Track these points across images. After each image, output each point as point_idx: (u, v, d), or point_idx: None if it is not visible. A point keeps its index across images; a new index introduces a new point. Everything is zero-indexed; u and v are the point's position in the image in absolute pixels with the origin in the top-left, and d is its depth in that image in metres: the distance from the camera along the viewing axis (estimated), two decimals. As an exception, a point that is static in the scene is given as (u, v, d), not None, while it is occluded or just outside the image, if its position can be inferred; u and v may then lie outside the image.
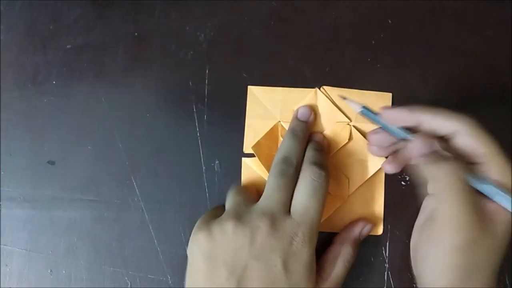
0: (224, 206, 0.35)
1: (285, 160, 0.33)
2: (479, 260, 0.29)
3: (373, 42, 0.39)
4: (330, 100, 0.38)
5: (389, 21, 0.39)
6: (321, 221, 0.33)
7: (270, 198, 0.32)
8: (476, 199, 0.30)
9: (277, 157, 0.34)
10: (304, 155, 0.35)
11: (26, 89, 0.40)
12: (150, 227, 0.39)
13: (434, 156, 0.31)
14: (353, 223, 0.37)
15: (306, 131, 0.36)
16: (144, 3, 0.40)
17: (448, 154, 0.31)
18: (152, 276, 0.38)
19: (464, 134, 0.30)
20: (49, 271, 0.39)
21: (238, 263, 0.30)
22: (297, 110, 0.38)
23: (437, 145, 0.31)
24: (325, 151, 0.36)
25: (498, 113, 0.38)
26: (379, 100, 0.38)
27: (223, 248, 0.31)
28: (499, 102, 0.38)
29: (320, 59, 0.39)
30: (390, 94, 0.38)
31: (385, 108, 0.34)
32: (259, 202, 0.33)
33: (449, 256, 0.29)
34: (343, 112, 0.38)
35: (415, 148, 0.32)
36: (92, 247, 0.39)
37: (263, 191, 0.33)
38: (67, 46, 0.40)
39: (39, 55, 0.41)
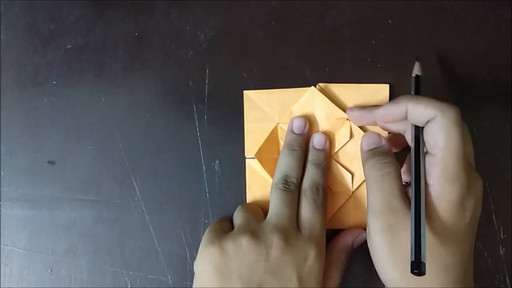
0: (228, 220, 0.36)
1: (286, 178, 0.35)
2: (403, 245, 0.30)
3: (373, 42, 0.39)
4: (327, 97, 0.38)
5: (389, 21, 0.39)
6: (327, 218, 0.35)
7: (279, 214, 0.33)
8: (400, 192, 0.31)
9: (277, 175, 0.35)
10: (304, 166, 0.36)
11: (26, 89, 0.40)
12: (150, 227, 0.38)
13: (373, 155, 0.33)
14: (347, 230, 0.37)
15: (303, 144, 0.37)
16: (144, 3, 0.40)
17: (385, 159, 0.32)
18: (152, 276, 0.38)
19: (434, 121, 0.30)
20: (49, 271, 0.39)
21: (253, 278, 0.30)
22: (292, 122, 0.37)
23: (380, 146, 0.34)
24: (326, 153, 0.37)
25: (498, 113, 0.38)
26: (377, 92, 0.38)
27: (237, 262, 0.31)
28: (499, 102, 0.38)
29: (320, 59, 0.39)
30: (387, 86, 0.38)
31: (373, 108, 0.35)
32: (268, 218, 0.34)
33: (374, 240, 0.31)
34: (342, 108, 0.38)
35: (362, 142, 0.35)
36: (92, 247, 0.39)
37: (267, 205, 0.35)
38: (67, 46, 0.40)
39: (39, 55, 0.41)
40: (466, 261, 0.30)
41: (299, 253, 0.31)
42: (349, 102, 0.38)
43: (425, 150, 0.31)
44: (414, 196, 0.29)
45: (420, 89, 0.35)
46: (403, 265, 0.29)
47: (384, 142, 0.34)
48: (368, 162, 0.33)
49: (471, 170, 0.31)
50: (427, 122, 0.30)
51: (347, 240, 0.36)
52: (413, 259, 0.27)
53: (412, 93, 0.35)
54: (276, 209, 0.34)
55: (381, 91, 0.38)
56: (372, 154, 0.33)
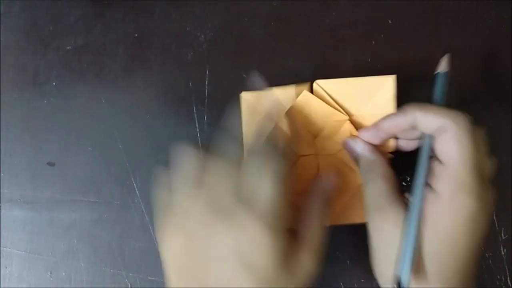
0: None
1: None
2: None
3: (374, 42, 0.39)
4: (327, 94, 0.36)
5: (389, 21, 0.39)
6: (335, 215, 0.35)
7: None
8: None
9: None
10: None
11: (26, 90, 0.40)
12: (150, 228, 0.38)
13: (360, 158, 0.34)
14: (318, 176, 0.34)
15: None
16: (144, 3, 0.40)
17: (371, 159, 0.33)
18: (152, 278, 0.38)
19: (445, 130, 0.29)
20: (49, 273, 0.39)
21: None
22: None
23: (363, 154, 0.34)
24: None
25: (498, 113, 0.38)
26: (381, 86, 0.35)
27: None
28: (499, 102, 0.38)
29: (320, 59, 0.39)
30: (393, 77, 0.35)
31: (380, 121, 0.33)
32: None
33: (370, 240, 0.31)
34: (340, 108, 0.36)
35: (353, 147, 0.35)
36: (92, 249, 0.39)
37: None
38: (67, 47, 0.40)
39: (39, 56, 0.41)
40: (469, 267, 0.30)
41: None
42: (350, 98, 0.36)
43: (430, 155, 0.31)
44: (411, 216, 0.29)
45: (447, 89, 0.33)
46: (392, 265, 0.29)
47: (362, 147, 0.34)
48: (361, 170, 0.34)
49: (484, 181, 0.29)
50: (438, 131, 0.30)
51: (320, 183, 0.33)
52: (397, 273, 0.28)
53: (435, 93, 0.33)
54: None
55: (386, 83, 0.35)
56: (361, 161, 0.34)
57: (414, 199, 0.30)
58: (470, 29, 0.39)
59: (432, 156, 0.31)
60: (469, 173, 0.28)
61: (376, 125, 0.34)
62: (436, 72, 0.34)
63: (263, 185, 0.28)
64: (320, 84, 0.36)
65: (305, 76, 0.39)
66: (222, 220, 0.27)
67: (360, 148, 0.34)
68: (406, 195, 0.32)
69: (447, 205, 0.29)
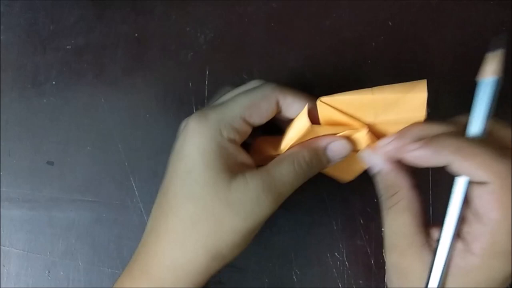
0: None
1: None
2: None
3: (374, 43, 0.39)
4: (335, 112, 0.30)
5: (389, 23, 0.39)
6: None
7: None
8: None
9: None
10: None
11: (25, 89, 0.40)
12: (149, 229, 0.38)
13: (381, 183, 0.30)
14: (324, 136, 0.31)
15: None
16: (145, 4, 0.40)
17: (393, 189, 0.29)
18: (151, 278, 0.38)
19: (488, 187, 0.25)
20: (47, 272, 0.39)
21: None
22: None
23: (383, 169, 0.29)
24: None
25: (498, 114, 0.38)
26: (411, 100, 0.28)
27: None
28: (499, 103, 0.38)
29: (320, 61, 0.39)
30: (424, 84, 0.28)
31: (405, 141, 0.28)
32: None
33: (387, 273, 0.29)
34: (354, 119, 0.30)
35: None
36: (90, 248, 0.39)
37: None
38: (67, 47, 0.40)
39: (39, 56, 0.41)
40: None
41: None
42: (366, 109, 0.29)
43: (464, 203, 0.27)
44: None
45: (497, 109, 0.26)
46: None
47: (382, 165, 0.29)
48: (379, 190, 0.30)
49: None
50: (477, 183, 0.25)
51: (320, 141, 0.31)
52: None
53: (475, 111, 0.27)
54: None
55: (417, 96, 0.27)
56: (379, 187, 0.30)
57: (442, 248, 0.26)
58: (470, 30, 0.39)
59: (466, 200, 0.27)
60: (508, 240, 0.25)
61: (400, 134, 0.29)
62: (479, 79, 0.26)
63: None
64: (326, 102, 0.30)
65: (305, 77, 0.39)
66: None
67: (378, 163, 0.30)
68: (432, 232, 0.28)
69: (481, 265, 0.26)
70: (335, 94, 0.29)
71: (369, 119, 0.30)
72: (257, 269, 0.37)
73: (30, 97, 0.40)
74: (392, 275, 0.29)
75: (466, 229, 0.26)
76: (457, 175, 0.26)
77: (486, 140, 0.26)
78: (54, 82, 0.40)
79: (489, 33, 0.39)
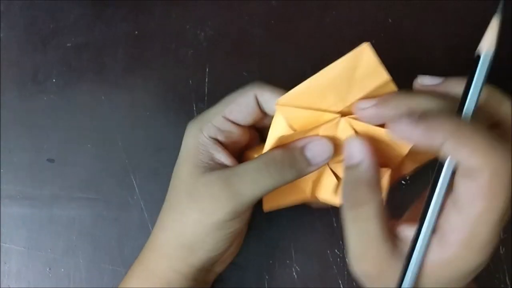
0: None
1: None
2: None
3: (374, 41, 0.39)
4: (300, 114, 0.28)
5: (390, 20, 0.39)
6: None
7: None
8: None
9: None
10: None
11: (26, 88, 0.40)
12: (150, 226, 0.38)
13: (348, 182, 0.27)
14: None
15: None
16: (145, 2, 0.40)
17: (363, 191, 0.26)
18: (151, 275, 0.38)
19: (478, 175, 0.22)
20: (47, 270, 0.39)
21: None
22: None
23: (359, 163, 0.26)
24: None
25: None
26: (358, 60, 0.27)
27: None
28: (497, 75, 0.38)
29: (320, 59, 0.39)
30: (367, 46, 0.27)
31: (383, 108, 0.26)
32: None
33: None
34: (323, 112, 0.28)
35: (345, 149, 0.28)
36: (91, 246, 0.39)
37: None
38: (67, 45, 0.41)
39: (39, 54, 0.41)
40: None
41: None
42: (328, 95, 0.27)
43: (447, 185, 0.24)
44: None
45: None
46: None
47: (366, 158, 0.26)
48: (343, 191, 0.27)
49: (498, 234, 0.24)
50: (467, 170, 0.23)
51: (297, 141, 0.29)
52: None
53: (470, 90, 0.24)
54: None
55: (362, 56, 0.27)
56: (348, 180, 0.27)
57: (419, 242, 0.24)
58: (470, 29, 0.39)
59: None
60: (488, 232, 0.23)
61: (383, 100, 0.26)
62: (477, 54, 0.24)
63: None
64: (284, 102, 0.28)
65: (305, 75, 0.39)
66: None
67: (360, 153, 0.26)
68: (401, 230, 0.26)
69: (457, 257, 0.24)
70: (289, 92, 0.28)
71: (338, 106, 0.28)
72: (257, 266, 0.37)
73: (31, 95, 0.40)
74: (363, 282, 0.27)
75: (443, 218, 0.24)
76: (444, 159, 0.24)
77: (482, 121, 0.24)
78: (54, 80, 0.40)
79: (488, 30, 0.39)
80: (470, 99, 0.24)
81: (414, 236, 0.24)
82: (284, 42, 0.39)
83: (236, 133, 0.32)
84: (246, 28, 0.40)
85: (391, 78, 0.27)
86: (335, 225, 0.38)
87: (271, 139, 0.29)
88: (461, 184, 0.23)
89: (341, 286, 0.37)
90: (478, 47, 0.24)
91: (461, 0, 0.39)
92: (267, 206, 0.32)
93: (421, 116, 0.23)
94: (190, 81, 0.39)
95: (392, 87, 0.28)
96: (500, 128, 0.26)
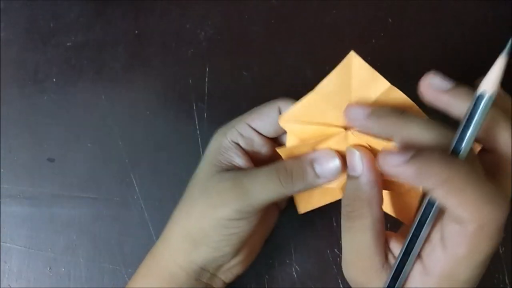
0: None
1: None
2: None
3: (373, 40, 0.39)
4: (306, 130, 0.29)
5: (390, 20, 0.39)
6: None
7: None
8: None
9: None
10: None
11: (26, 86, 0.40)
12: (150, 225, 0.38)
13: (347, 197, 0.27)
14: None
15: None
16: (145, 1, 0.40)
17: (358, 205, 0.26)
18: (151, 274, 0.38)
19: (467, 224, 0.22)
20: (48, 269, 0.39)
21: None
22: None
23: (356, 176, 0.26)
24: None
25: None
26: (349, 70, 0.27)
27: None
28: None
29: (320, 58, 0.39)
30: (353, 53, 0.27)
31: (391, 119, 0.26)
32: None
33: None
34: (328, 126, 0.29)
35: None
36: (91, 245, 0.39)
37: None
38: (68, 44, 0.41)
39: (39, 53, 0.41)
40: None
41: None
42: (329, 110, 0.28)
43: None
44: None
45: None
46: None
47: (365, 172, 0.26)
48: (343, 199, 0.27)
49: (481, 272, 0.24)
50: (456, 218, 0.22)
51: (308, 154, 0.30)
52: None
53: (466, 129, 0.23)
54: None
55: (351, 65, 0.26)
56: (348, 190, 0.27)
57: (400, 269, 0.25)
58: (470, 28, 0.39)
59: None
60: (469, 273, 0.23)
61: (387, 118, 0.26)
62: (479, 94, 0.23)
63: None
64: (288, 118, 0.29)
65: (305, 74, 0.39)
66: None
67: (360, 167, 0.27)
68: (392, 245, 0.26)
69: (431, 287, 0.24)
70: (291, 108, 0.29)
71: (341, 120, 0.28)
72: (257, 265, 0.37)
73: (31, 94, 0.40)
74: (352, 286, 0.28)
75: (428, 249, 0.25)
76: (432, 199, 0.24)
77: (478, 165, 0.24)
78: (54, 79, 0.40)
79: (489, 31, 0.39)
80: (467, 141, 0.23)
81: (396, 265, 0.25)
82: (284, 40, 0.39)
83: (257, 142, 0.33)
84: (246, 27, 0.40)
85: (390, 84, 0.27)
86: (335, 224, 0.38)
87: (284, 149, 0.31)
88: (448, 226, 0.23)
89: (341, 286, 0.37)
90: (480, 85, 0.23)
91: (460, 0, 0.39)
92: (302, 208, 0.34)
93: (413, 156, 0.22)
94: (190, 80, 0.39)
95: (396, 92, 0.27)
96: (495, 155, 0.25)
